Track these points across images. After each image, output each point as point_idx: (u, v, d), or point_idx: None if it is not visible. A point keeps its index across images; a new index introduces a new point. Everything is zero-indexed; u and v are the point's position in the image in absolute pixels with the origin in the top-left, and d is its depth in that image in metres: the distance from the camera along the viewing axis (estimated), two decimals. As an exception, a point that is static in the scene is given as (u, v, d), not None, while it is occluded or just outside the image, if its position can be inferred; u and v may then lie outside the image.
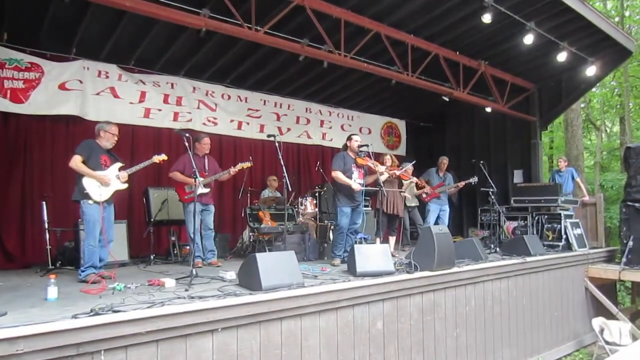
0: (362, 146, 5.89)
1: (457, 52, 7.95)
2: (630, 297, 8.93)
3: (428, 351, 4.67)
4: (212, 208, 6.05)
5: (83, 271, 4.54)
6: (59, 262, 5.53)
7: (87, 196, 4.55)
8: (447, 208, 8.19)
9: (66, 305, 3.17)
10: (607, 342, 6.09)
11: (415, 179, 7.16)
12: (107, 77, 7.19)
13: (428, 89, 7.93)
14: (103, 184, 4.67)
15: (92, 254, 4.56)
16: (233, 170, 6.03)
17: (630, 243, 7.06)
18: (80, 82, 6.91)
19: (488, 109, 9.07)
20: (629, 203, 7.31)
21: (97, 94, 7.06)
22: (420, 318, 4.65)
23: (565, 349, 6.64)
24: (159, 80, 7.77)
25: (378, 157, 6.92)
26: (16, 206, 6.42)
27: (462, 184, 8.14)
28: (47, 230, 5.72)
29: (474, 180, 7.99)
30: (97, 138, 4.85)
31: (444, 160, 8.34)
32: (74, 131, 6.85)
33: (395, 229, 7.20)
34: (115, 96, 7.25)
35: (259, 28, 5.76)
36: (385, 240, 6.87)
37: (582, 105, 15.57)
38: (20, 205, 6.45)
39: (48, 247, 5.60)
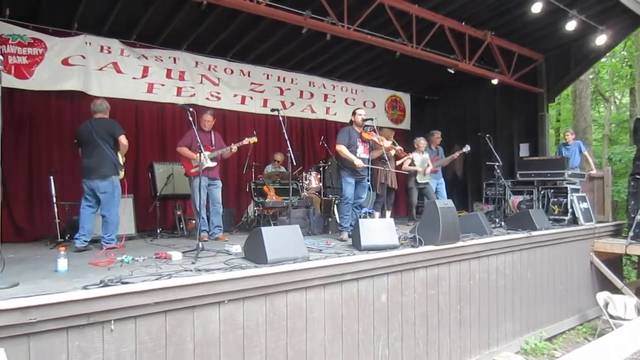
0: (366, 120, 5.85)
1: (463, 23, 7.79)
2: (636, 272, 8.92)
3: (431, 324, 4.73)
4: (219, 183, 6.05)
5: (112, 240, 4.90)
6: (68, 236, 5.61)
7: (118, 171, 5.02)
8: (443, 181, 8.28)
9: (76, 276, 3.23)
10: (611, 316, 6.11)
11: (410, 155, 7.30)
12: (110, 52, 7.14)
13: (433, 61, 7.81)
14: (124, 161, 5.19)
15: (118, 225, 5.01)
16: (235, 147, 5.91)
17: (638, 217, 6.99)
18: (83, 57, 6.87)
19: (494, 81, 8.92)
20: (637, 176, 7.23)
21: (100, 69, 7.03)
22: (424, 292, 4.69)
23: (568, 323, 6.68)
24: (161, 55, 7.71)
25: (382, 132, 6.89)
26: (24, 181, 6.48)
27: (456, 154, 8.18)
28: (55, 204, 5.79)
29: (466, 149, 8.05)
30: (105, 115, 5.14)
31: (437, 135, 8.43)
32: (78, 106, 6.84)
33: (392, 203, 7.27)
34: (118, 71, 7.21)
35: (260, 0, 5.66)
36: (382, 215, 6.93)
37: (591, 77, 15.31)
38: (28, 181, 6.52)
39: (57, 220, 5.68)
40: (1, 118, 2.98)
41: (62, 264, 3.48)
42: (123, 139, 5.01)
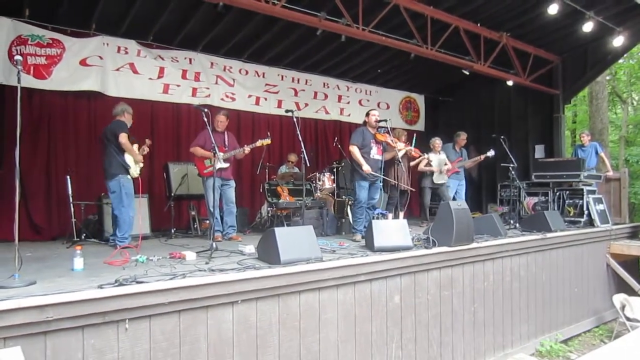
0: (380, 121, 5.83)
1: (478, 24, 7.74)
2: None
3: (445, 325, 4.70)
4: (232, 183, 6.07)
5: (125, 238, 5.03)
6: (84, 235, 5.70)
7: (127, 171, 5.07)
8: (464, 183, 8.23)
9: (91, 275, 3.27)
10: (628, 319, 6.03)
11: (425, 155, 7.27)
12: (127, 52, 7.23)
13: (448, 62, 7.76)
14: (138, 161, 5.22)
15: (132, 224, 5.08)
16: (247, 149, 5.90)
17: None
18: (101, 57, 6.96)
19: (509, 83, 8.85)
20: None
21: (117, 69, 7.12)
22: (438, 293, 4.66)
23: (584, 325, 6.60)
24: (177, 56, 7.78)
25: (393, 132, 6.86)
26: (42, 181, 6.58)
27: (482, 157, 8.11)
28: (71, 204, 5.87)
29: (490, 153, 7.98)
30: (121, 117, 5.25)
31: (463, 136, 8.31)
32: (95, 107, 6.97)
33: (404, 204, 7.25)
34: (135, 72, 7.29)
35: (276, 1, 5.68)
36: (395, 216, 6.90)
37: (608, 78, 15.06)
38: (46, 180, 6.62)
39: (73, 220, 5.76)
40: (20, 118, 3.02)
41: (78, 262, 3.53)
42: (121, 138, 5.05)
